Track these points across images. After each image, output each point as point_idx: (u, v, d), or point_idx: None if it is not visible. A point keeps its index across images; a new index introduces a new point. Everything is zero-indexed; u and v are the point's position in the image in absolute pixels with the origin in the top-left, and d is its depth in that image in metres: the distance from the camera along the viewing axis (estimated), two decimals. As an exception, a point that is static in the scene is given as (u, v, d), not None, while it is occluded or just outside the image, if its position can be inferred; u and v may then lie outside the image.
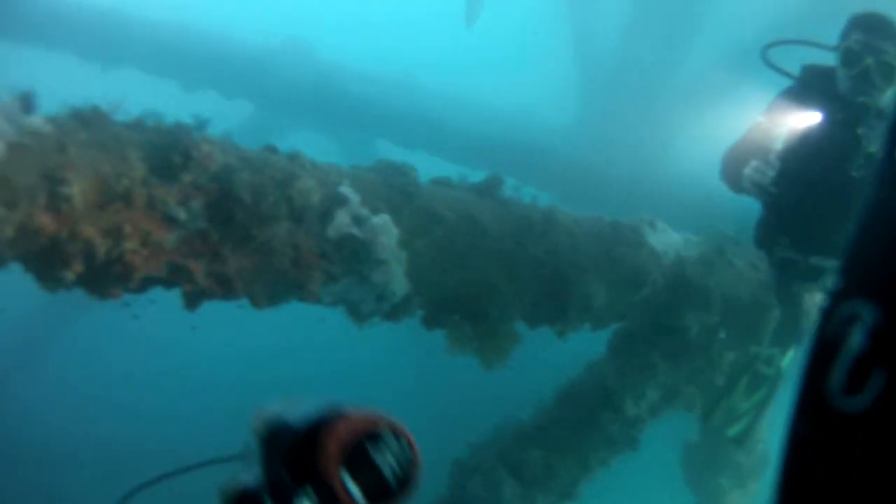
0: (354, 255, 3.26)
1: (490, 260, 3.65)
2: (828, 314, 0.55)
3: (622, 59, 8.50)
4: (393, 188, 3.52)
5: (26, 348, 9.46)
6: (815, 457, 0.54)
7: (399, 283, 3.35)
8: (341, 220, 3.24)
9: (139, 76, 8.40)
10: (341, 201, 3.26)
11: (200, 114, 3.36)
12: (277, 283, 3.18)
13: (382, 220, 3.31)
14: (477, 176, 3.92)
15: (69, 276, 2.88)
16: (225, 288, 3.07)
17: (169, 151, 3.08)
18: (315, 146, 3.99)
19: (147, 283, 3.00)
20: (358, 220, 3.26)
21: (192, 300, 3.09)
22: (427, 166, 3.91)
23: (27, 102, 3.02)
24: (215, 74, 8.55)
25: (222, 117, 3.85)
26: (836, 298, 0.56)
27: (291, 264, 3.16)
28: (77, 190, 2.89)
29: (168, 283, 3.03)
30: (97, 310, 3.17)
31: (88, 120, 3.13)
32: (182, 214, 2.97)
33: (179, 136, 3.15)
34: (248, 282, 3.11)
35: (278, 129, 8.64)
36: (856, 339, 0.55)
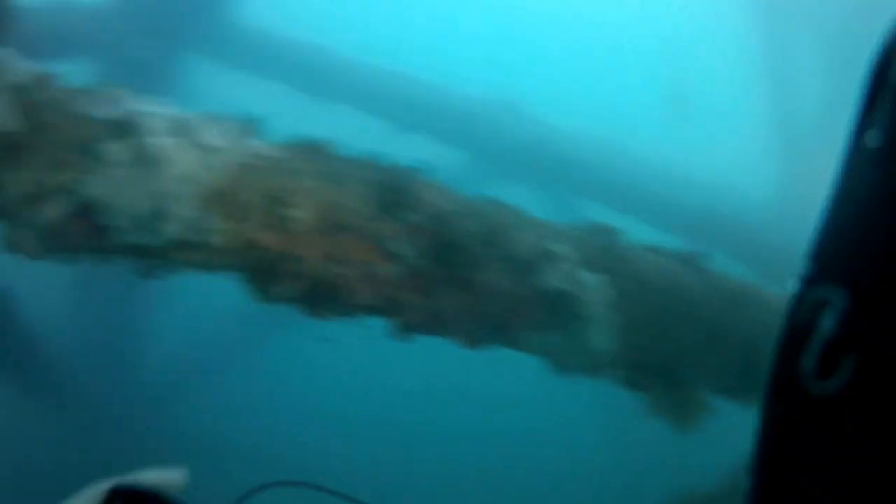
0: (562, 309, 3.33)
1: (691, 329, 3.65)
2: (798, 299, 0.54)
3: (824, 120, 8.32)
4: (601, 249, 3.57)
5: (238, 347, 9.73)
6: (788, 439, 0.53)
7: (603, 342, 3.39)
8: (552, 274, 3.31)
9: (353, 113, 8.69)
10: (552, 256, 3.33)
11: (412, 156, 3.49)
12: (485, 326, 3.27)
13: (591, 277, 3.37)
14: (679, 243, 3.94)
15: (285, 292, 3.04)
16: (435, 324, 3.18)
17: (390, 189, 3.22)
18: (525, 200, 4.09)
19: (360, 310, 3.13)
20: (567, 276, 3.32)
21: (403, 332, 3.21)
22: (633, 229, 3.95)
23: (253, 127, 3.22)
24: (430, 121, 8.76)
25: (435, 162, 3.99)
26: (806, 284, 0.54)
27: (501, 310, 3.25)
28: (301, 213, 3.05)
29: (381, 312, 3.15)
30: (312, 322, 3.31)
31: (313, 149, 3.31)
32: (400, 250, 3.10)
33: (400, 175, 3.29)
34: (457, 321, 3.22)
35: (489, 180, 8.78)
36: (826, 323, 0.53)
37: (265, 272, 3.04)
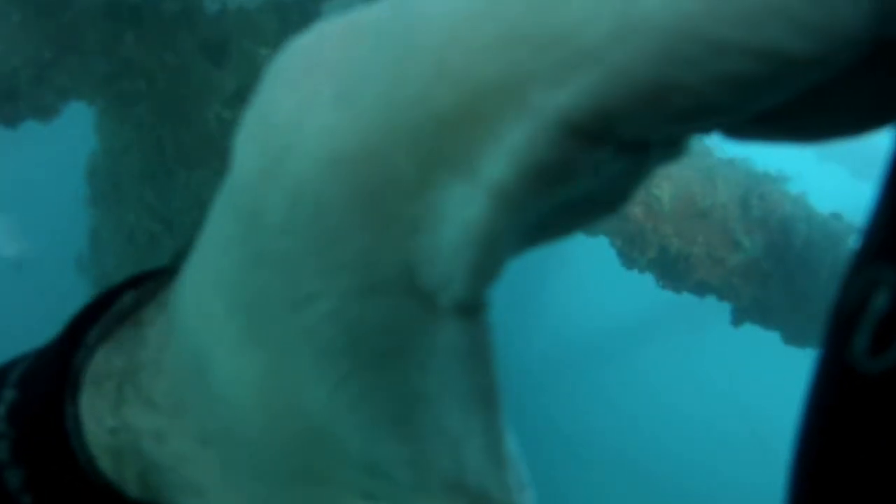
0: None
1: None
2: (848, 281, 0.53)
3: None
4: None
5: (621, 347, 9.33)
6: (842, 426, 0.54)
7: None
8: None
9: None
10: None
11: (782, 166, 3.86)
12: (810, 327, 3.64)
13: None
14: None
15: (643, 260, 3.59)
16: (763, 316, 3.62)
17: (748, 192, 3.67)
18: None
19: (703, 289, 3.62)
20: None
21: (736, 318, 3.68)
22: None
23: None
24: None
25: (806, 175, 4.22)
26: (856, 265, 0.53)
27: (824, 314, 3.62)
28: (667, 196, 3.58)
29: (720, 294, 3.63)
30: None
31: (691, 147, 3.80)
32: (746, 242, 3.57)
33: (761, 181, 3.73)
34: (784, 317, 3.63)
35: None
36: (879, 302, 0.56)
37: (632, 242, 3.60)
